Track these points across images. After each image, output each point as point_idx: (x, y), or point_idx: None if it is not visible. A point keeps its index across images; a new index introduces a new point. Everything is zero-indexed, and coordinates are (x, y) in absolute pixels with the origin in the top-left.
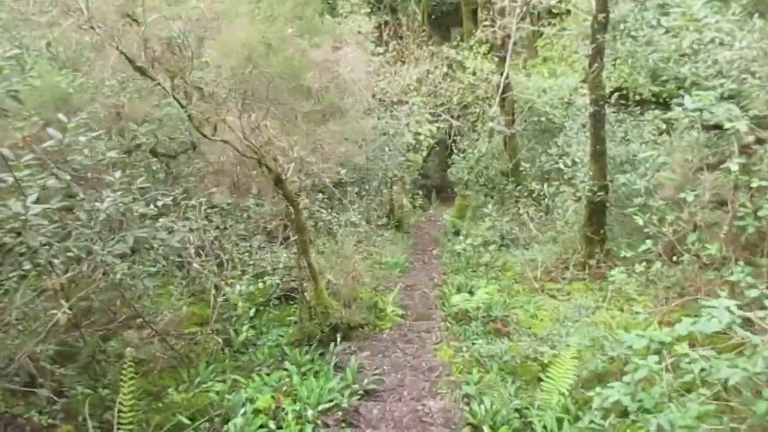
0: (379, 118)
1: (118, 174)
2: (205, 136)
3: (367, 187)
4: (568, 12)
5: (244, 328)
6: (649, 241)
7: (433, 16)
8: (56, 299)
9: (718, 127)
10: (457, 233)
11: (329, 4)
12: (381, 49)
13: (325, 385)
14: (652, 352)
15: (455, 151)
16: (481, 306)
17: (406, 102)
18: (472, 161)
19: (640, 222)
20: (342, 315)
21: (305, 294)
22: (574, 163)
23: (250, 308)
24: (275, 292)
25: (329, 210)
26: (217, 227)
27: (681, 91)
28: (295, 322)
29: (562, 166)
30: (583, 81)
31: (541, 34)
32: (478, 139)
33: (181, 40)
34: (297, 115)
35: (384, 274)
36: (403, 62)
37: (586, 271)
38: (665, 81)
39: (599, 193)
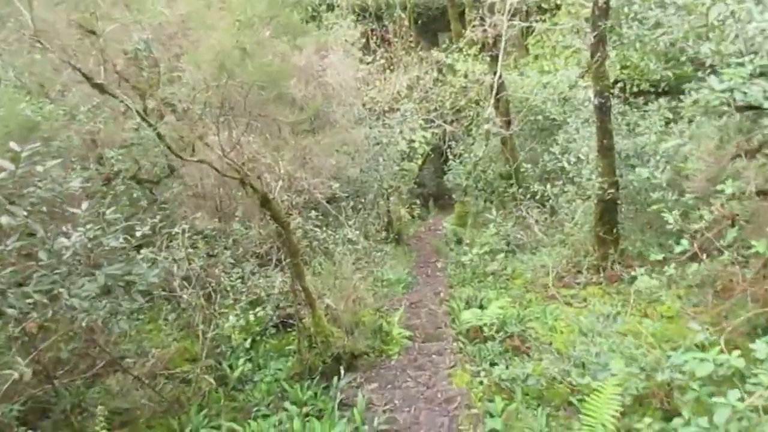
0: (371, 127)
1: (85, 205)
2: (180, 157)
3: (362, 200)
4: (558, 7)
5: (240, 362)
6: (684, 241)
7: (419, 22)
8: (17, 352)
9: (751, 107)
10: (459, 241)
11: (312, 17)
12: (369, 58)
13: (330, 430)
14: (715, 376)
15: (451, 157)
16: (495, 322)
17: (398, 109)
18: (469, 166)
19: (670, 219)
20: (344, 343)
21: (303, 322)
22: (578, 160)
23: (245, 339)
24: (272, 320)
25: (324, 228)
26: (205, 255)
27: (699, 74)
28: (295, 353)
29: (565, 164)
30: (586, 71)
31: (532, 32)
32: (473, 144)
33: (147, 52)
34: (282, 127)
35: (387, 292)
36: (392, 70)
37: (601, 274)
38: (681, 63)
39: (610, 191)
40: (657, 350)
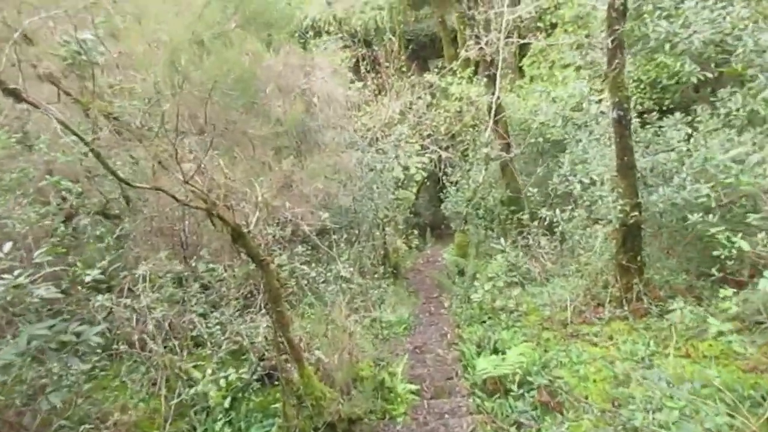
0: (363, 152)
1: (7, 247)
2: (127, 184)
3: (356, 231)
4: (554, 26)
5: (218, 426)
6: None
7: (409, 48)
8: None
9: None
10: (461, 273)
11: (300, 44)
12: (359, 84)
13: None
14: None
15: (447, 184)
16: (517, 371)
17: (390, 135)
18: (469, 192)
19: (746, 246)
20: (339, 407)
21: (289, 380)
22: (591, 182)
23: (224, 397)
24: (255, 373)
25: (314, 264)
26: (172, 301)
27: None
28: (278, 416)
29: (577, 186)
30: (602, 81)
31: (524, 55)
32: (470, 169)
33: (83, 52)
34: (258, 147)
35: (387, 334)
36: (384, 94)
37: (625, 308)
38: (724, 61)
39: (633, 214)
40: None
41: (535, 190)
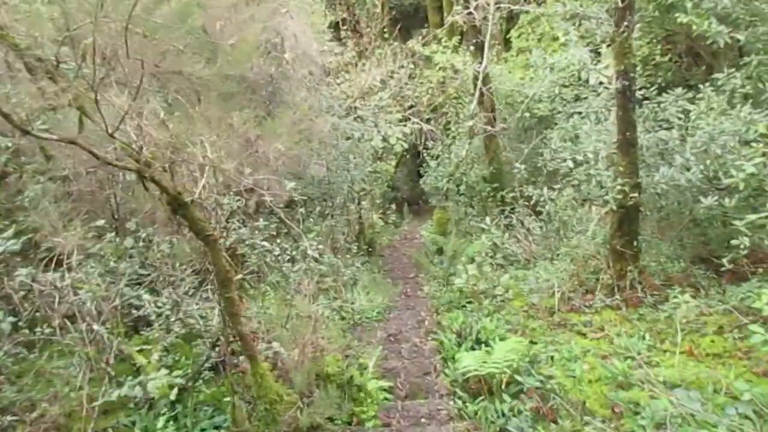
0: (339, 118)
1: None
2: (27, 132)
3: (330, 204)
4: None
5: (160, 422)
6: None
7: (392, 15)
8: None
9: None
10: (440, 251)
11: None
12: (339, 49)
13: None
14: None
15: (428, 158)
16: (505, 370)
17: (370, 103)
18: (451, 168)
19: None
20: (298, 413)
21: (241, 379)
22: (585, 159)
23: (170, 388)
24: (207, 361)
25: (279, 240)
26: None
27: None
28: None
29: (570, 164)
30: (608, 45)
31: (510, 28)
32: (452, 144)
33: None
34: (199, 95)
35: (359, 319)
36: (364, 61)
37: (617, 296)
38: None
39: (632, 195)
40: None
41: (522, 167)
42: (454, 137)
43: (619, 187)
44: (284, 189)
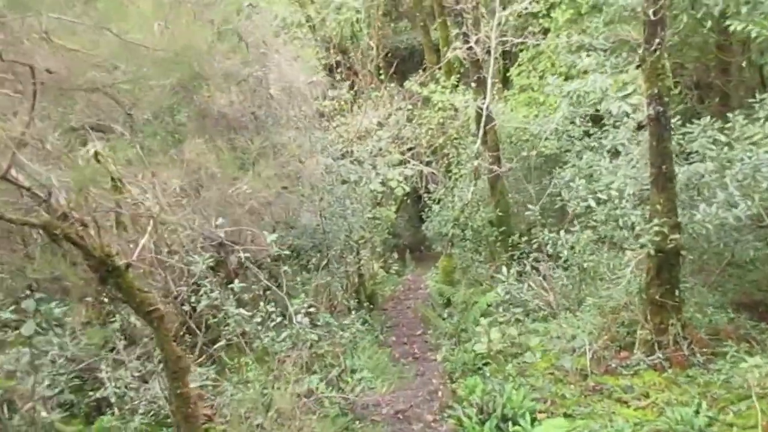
0: (334, 159)
1: None
2: None
3: (325, 255)
4: (546, 31)
5: None
6: None
7: (387, 59)
8: None
9: None
10: (448, 303)
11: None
12: (333, 92)
13: None
14: None
15: (429, 202)
16: None
17: (367, 144)
18: (456, 211)
19: None
20: None
21: None
22: (609, 198)
23: None
24: None
25: (262, 304)
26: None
27: None
28: None
29: (591, 203)
30: (638, 66)
31: (508, 69)
32: (454, 187)
33: None
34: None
35: (359, 393)
36: (360, 104)
37: (659, 354)
38: None
39: (672, 237)
40: None
41: (536, 208)
42: (456, 179)
43: (657, 228)
44: (268, 241)
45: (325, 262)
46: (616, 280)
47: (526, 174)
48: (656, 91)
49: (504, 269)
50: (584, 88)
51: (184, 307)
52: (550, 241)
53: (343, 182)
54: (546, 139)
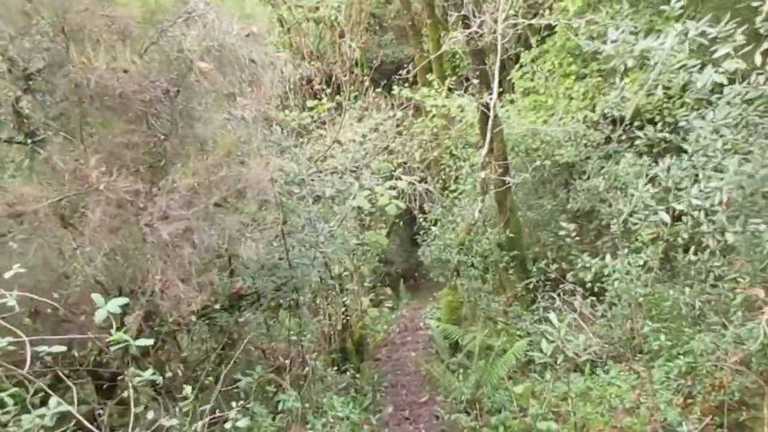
0: (293, 159)
1: None
2: None
3: (295, 298)
4: (553, 28)
5: None
6: None
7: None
8: None
9: None
10: (455, 349)
11: None
12: (312, 102)
13: None
14: None
15: (425, 224)
16: None
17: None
18: (462, 234)
19: None
20: None
21: None
22: (692, 208)
23: None
24: None
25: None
26: None
27: None
28: None
29: (665, 217)
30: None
31: (506, 71)
32: (453, 205)
33: None
34: None
35: None
36: (341, 114)
37: None
38: None
39: None
40: None
41: (572, 227)
42: (456, 197)
43: None
44: (204, 284)
45: (295, 308)
46: (712, 323)
47: (538, 187)
48: None
49: (553, 317)
50: (661, 46)
51: None
52: (591, 269)
53: (316, 199)
54: (562, 146)
